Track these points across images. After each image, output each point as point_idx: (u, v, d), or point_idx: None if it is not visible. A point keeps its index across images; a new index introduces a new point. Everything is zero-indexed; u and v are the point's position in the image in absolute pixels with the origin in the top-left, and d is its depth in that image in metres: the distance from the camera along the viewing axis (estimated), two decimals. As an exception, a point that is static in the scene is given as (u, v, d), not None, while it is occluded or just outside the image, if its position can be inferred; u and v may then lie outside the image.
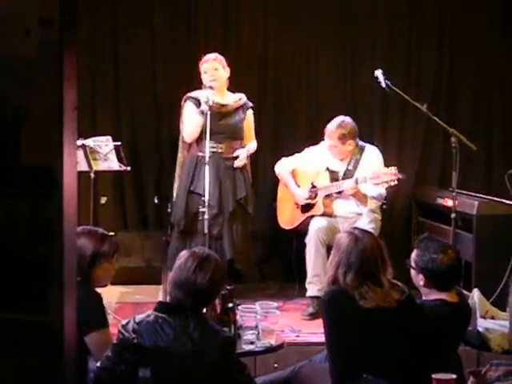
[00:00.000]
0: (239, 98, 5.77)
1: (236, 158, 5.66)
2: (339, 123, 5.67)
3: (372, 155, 5.79)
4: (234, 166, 5.65)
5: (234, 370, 3.09)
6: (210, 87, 5.49)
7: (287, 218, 6.02)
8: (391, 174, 5.35)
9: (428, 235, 4.35)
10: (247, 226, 5.81)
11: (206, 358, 2.97)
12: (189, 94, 5.69)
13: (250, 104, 5.85)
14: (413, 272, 3.60)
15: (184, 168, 5.70)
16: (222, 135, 5.57)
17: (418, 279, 3.56)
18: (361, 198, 5.67)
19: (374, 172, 5.45)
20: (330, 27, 6.97)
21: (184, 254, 3.16)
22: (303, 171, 5.92)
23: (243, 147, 5.74)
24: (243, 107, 5.78)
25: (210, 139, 5.29)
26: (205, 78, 5.60)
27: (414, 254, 3.60)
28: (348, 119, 5.72)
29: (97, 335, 3.25)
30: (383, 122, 7.02)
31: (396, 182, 5.39)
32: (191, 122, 5.59)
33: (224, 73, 5.67)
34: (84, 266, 3.34)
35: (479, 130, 6.99)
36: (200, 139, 5.48)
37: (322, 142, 5.85)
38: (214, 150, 5.47)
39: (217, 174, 5.51)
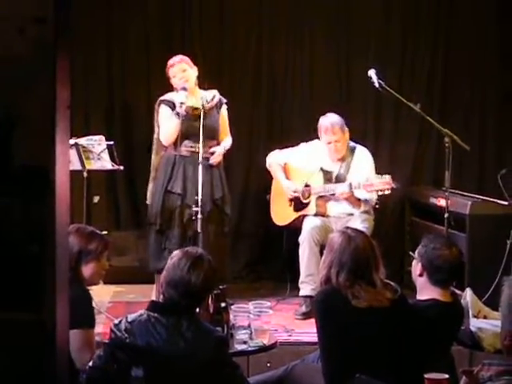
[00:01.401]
0: (212, 95, 5.69)
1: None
2: (332, 117, 5.73)
3: (362, 157, 5.80)
4: (210, 161, 5.57)
5: (226, 369, 3.09)
6: (184, 88, 5.47)
7: (280, 214, 6.03)
8: (385, 183, 5.37)
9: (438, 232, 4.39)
10: (223, 227, 5.75)
11: (198, 358, 2.97)
12: (162, 98, 5.64)
13: (224, 100, 5.79)
14: (414, 262, 3.60)
15: (160, 168, 5.64)
16: (198, 136, 5.38)
17: (417, 269, 3.56)
18: (354, 201, 5.67)
19: (368, 179, 5.45)
20: (324, 27, 6.97)
21: (177, 253, 3.16)
22: (296, 168, 5.92)
23: (219, 144, 5.70)
24: (217, 105, 5.71)
25: (188, 139, 5.36)
26: (175, 82, 5.58)
27: (420, 245, 3.61)
28: (332, 113, 5.77)
29: (77, 333, 3.23)
30: (377, 121, 7.02)
31: (389, 191, 5.41)
32: (168, 125, 5.54)
33: (193, 72, 5.62)
34: (71, 263, 3.34)
35: (472, 130, 7.00)
36: (176, 140, 5.51)
37: (315, 141, 5.85)
38: (192, 149, 5.45)
39: (194, 174, 5.41)
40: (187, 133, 5.41)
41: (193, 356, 2.96)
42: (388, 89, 5.39)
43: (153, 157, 5.77)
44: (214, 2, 6.91)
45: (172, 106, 5.54)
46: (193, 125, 5.45)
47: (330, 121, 5.70)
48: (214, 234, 5.62)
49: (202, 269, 3.07)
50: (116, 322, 3.07)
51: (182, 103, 5.40)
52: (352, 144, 5.84)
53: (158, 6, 6.84)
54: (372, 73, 5.43)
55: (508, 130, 7.04)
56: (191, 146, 5.47)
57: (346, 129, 5.72)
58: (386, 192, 5.39)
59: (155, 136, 5.71)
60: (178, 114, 5.41)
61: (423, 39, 7.06)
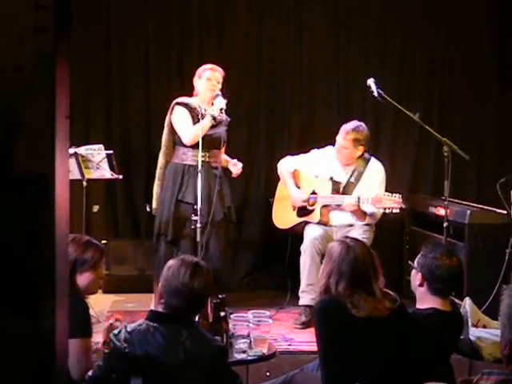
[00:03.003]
0: (224, 107, 5.62)
1: (221, 167, 5.60)
2: (357, 126, 5.68)
3: (375, 171, 5.78)
4: (233, 175, 5.65)
5: (226, 379, 3.09)
6: (217, 95, 5.47)
7: (282, 217, 6.01)
8: (394, 202, 5.36)
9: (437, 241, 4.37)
10: (230, 235, 5.81)
11: (197, 368, 2.96)
12: (179, 100, 5.63)
13: (229, 119, 5.79)
14: (413, 272, 3.60)
15: (167, 177, 5.62)
16: (209, 145, 5.46)
17: (416, 278, 3.55)
18: (359, 214, 5.66)
19: (378, 195, 5.44)
20: (323, 36, 6.99)
21: (173, 262, 3.15)
22: (306, 175, 5.90)
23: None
24: (226, 119, 5.73)
25: (197, 148, 5.32)
26: (204, 85, 5.56)
27: (419, 254, 3.60)
28: (365, 126, 5.73)
29: (74, 343, 3.22)
30: (376, 130, 7.03)
31: (398, 211, 5.40)
32: (197, 125, 5.45)
33: (220, 87, 5.60)
34: None
35: (471, 139, 7.01)
36: (186, 147, 5.51)
37: (327, 147, 5.84)
38: (203, 158, 5.37)
39: (207, 183, 5.43)
40: (203, 140, 5.33)
41: (192, 365, 2.95)
42: (387, 98, 5.39)
43: (160, 159, 5.73)
44: (213, 20, 6.94)
45: (189, 108, 5.54)
46: (207, 133, 5.42)
47: (346, 128, 5.67)
48: (223, 242, 5.64)
49: (202, 274, 3.07)
50: (115, 331, 3.07)
51: (222, 109, 5.41)
52: (367, 155, 5.82)
53: (157, 16, 6.86)
54: (371, 82, 5.42)
55: (507, 139, 7.05)
56: (203, 156, 5.36)
57: (361, 147, 5.68)
58: (394, 211, 5.39)
59: (164, 139, 5.69)
60: (215, 118, 5.40)
61: (422, 47, 7.08)
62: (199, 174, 5.20)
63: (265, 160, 6.84)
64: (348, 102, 7.04)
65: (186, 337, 2.98)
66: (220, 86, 5.58)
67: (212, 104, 5.51)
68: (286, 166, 5.97)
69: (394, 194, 5.41)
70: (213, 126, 5.49)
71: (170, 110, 5.66)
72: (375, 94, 5.39)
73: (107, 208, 6.91)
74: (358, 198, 5.52)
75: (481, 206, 5.81)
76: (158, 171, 5.74)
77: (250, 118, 6.96)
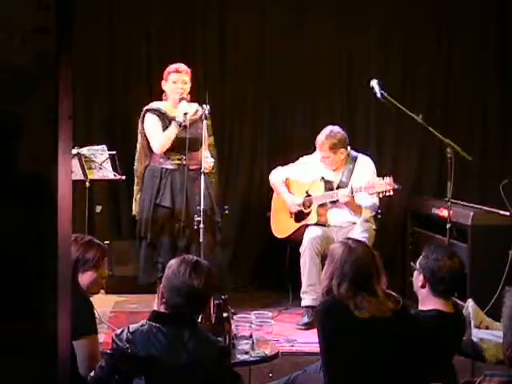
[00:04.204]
0: (195, 109, 5.57)
1: (199, 168, 5.39)
2: (328, 133, 5.69)
3: (365, 165, 5.80)
4: (204, 166, 5.35)
5: (228, 380, 3.09)
6: (182, 99, 5.42)
7: (281, 227, 6.03)
8: (386, 184, 5.36)
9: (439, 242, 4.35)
10: (215, 235, 5.67)
11: (200, 368, 2.96)
12: (149, 107, 5.57)
13: (207, 112, 5.49)
14: (415, 273, 3.59)
15: (146, 181, 5.57)
16: (185, 147, 5.30)
17: (418, 280, 3.55)
18: (355, 207, 5.67)
19: (369, 181, 5.45)
20: (327, 36, 6.99)
21: (174, 261, 3.15)
22: (297, 181, 5.93)
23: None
24: (201, 118, 5.54)
25: (175, 151, 5.32)
26: (171, 88, 5.51)
27: (421, 256, 3.60)
28: (336, 128, 5.74)
29: (85, 341, 3.23)
30: (379, 132, 7.03)
31: (391, 193, 5.39)
32: (165, 134, 5.42)
33: (189, 87, 5.56)
34: None
35: (474, 140, 7.01)
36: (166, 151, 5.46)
37: (316, 152, 5.85)
38: (179, 162, 5.36)
39: (182, 186, 5.35)
40: (177, 143, 5.32)
41: (194, 366, 2.95)
42: (390, 99, 5.38)
43: (136, 165, 5.68)
44: (216, 20, 6.96)
45: (159, 114, 5.51)
46: (180, 135, 5.36)
47: (319, 138, 5.70)
48: (207, 243, 5.57)
49: (202, 272, 3.07)
50: (118, 332, 3.07)
51: (186, 114, 5.34)
52: (354, 154, 5.84)
53: (159, 19, 6.86)
54: (374, 83, 5.41)
55: (510, 140, 7.05)
56: (178, 159, 5.38)
57: (342, 150, 5.69)
58: (388, 194, 5.38)
59: (139, 146, 5.64)
60: (180, 124, 5.34)
61: (425, 48, 7.07)
62: (202, 178, 5.13)
63: (266, 164, 6.81)
64: (351, 103, 7.03)
65: (188, 337, 2.98)
66: (188, 86, 5.52)
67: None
68: (277, 176, 6.01)
69: (385, 177, 5.40)
70: (186, 128, 5.34)
71: (141, 116, 5.61)
72: (378, 95, 5.38)
73: (110, 208, 6.91)
74: (352, 188, 5.52)
75: (484, 208, 5.80)
76: (136, 177, 5.69)
77: (252, 124, 6.95)
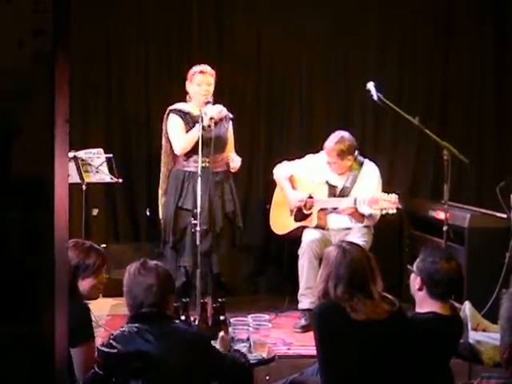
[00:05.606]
0: (220, 109, 5.59)
1: (224, 171, 5.56)
2: (338, 139, 5.66)
3: (370, 173, 5.78)
4: (231, 170, 5.54)
5: (212, 362, 3.20)
6: (208, 102, 5.40)
7: (280, 223, 6.02)
8: (390, 202, 5.35)
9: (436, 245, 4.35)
10: (235, 240, 5.69)
11: (177, 358, 3.05)
12: (173, 107, 5.57)
13: (231, 115, 5.73)
14: (412, 276, 3.59)
15: (170, 184, 5.59)
16: (209, 149, 5.27)
17: (415, 282, 3.54)
18: (357, 217, 5.65)
19: (374, 196, 5.43)
20: (324, 37, 6.98)
21: (128, 267, 3.28)
22: (302, 179, 5.91)
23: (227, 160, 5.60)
24: (226, 118, 5.66)
25: (199, 152, 5.19)
26: (197, 91, 5.49)
27: (418, 258, 3.60)
28: (346, 135, 5.71)
29: (84, 348, 3.25)
30: (375, 134, 7.03)
31: (394, 211, 5.39)
32: (186, 136, 5.44)
33: (212, 88, 5.54)
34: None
35: (471, 142, 7.01)
36: (187, 153, 5.46)
37: (322, 152, 5.82)
38: (203, 164, 5.17)
39: (206, 189, 5.25)
40: (197, 145, 5.16)
41: (173, 356, 3.05)
42: (387, 101, 5.38)
43: (162, 168, 5.70)
44: (213, 22, 6.95)
45: (182, 115, 5.51)
46: (204, 137, 5.18)
47: (328, 144, 5.67)
48: (226, 248, 5.59)
49: (151, 268, 3.20)
50: (99, 345, 3.17)
51: (211, 118, 5.30)
52: (361, 158, 5.82)
53: (157, 21, 6.86)
54: (371, 86, 5.41)
55: (507, 142, 7.05)
56: (202, 161, 5.14)
57: (349, 157, 5.67)
58: (391, 211, 5.38)
59: (163, 148, 5.65)
60: (203, 127, 5.18)
61: (421, 51, 7.08)
62: (199, 180, 5.06)
63: (264, 164, 6.81)
64: (348, 105, 7.03)
65: (164, 330, 3.10)
66: (212, 88, 5.51)
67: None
68: (282, 171, 5.98)
69: (391, 194, 5.40)
70: (211, 128, 5.30)
71: (165, 117, 5.62)
72: (375, 97, 5.38)
73: (107, 212, 6.90)
74: (355, 200, 5.52)
75: (480, 210, 5.81)
76: (161, 181, 5.72)
77: (249, 123, 6.95)
